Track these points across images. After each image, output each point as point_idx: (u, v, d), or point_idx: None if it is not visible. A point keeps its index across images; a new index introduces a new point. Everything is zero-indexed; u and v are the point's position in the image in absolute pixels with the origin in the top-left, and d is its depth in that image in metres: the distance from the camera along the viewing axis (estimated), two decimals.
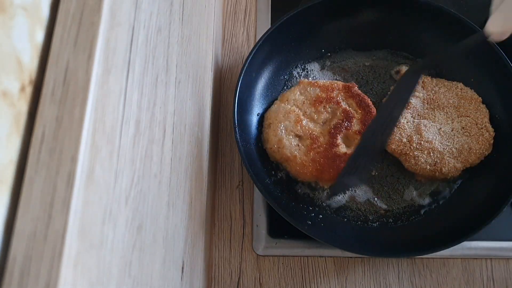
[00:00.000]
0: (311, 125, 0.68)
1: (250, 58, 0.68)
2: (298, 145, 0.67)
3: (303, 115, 0.68)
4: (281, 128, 0.67)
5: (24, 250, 0.25)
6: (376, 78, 0.75)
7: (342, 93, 0.70)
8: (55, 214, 0.26)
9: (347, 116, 0.68)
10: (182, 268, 0.51)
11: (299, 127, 0.67)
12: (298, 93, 0.70)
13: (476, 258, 0.67)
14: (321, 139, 0.67)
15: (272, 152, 0.68)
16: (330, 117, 0.69)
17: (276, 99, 0.72)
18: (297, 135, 0.67)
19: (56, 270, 0.25)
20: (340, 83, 0.71)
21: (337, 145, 0.66)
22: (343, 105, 0.69)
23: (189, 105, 0.55)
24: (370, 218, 0.67)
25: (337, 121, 0.68)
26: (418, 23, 0.74)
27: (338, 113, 0.68)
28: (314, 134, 0.67)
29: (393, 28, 0.75)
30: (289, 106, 0.69)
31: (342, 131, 0.67)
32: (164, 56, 0.44)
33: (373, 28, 0.76)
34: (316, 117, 0.68)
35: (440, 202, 0.68)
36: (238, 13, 0.83)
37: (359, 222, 0.67)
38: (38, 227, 0.26)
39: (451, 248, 0.60)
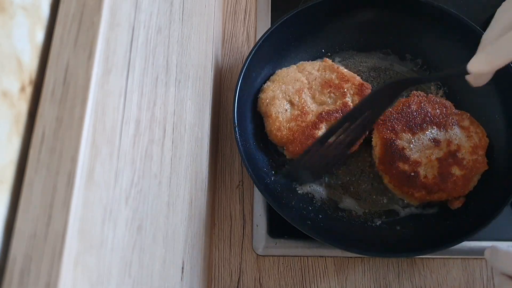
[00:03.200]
0: (308, 100, 0.69)
1: (250, 58, 0.68)
2: (286, 110, 0.69)
3: (307, 89, 0.70)
4: (282, 88, 0.69)
5: (24, 250, 0.25)
6: (376, 78, 0.75)
7: (353, 88, 0.70)
8: (55, 214, 0.26)
9: (343, 109, 0.69)
10: (182, 268, 0.51)
11: (297, 96, 0.69)
12: (317, 68, 0.71)
13: (476, 258, 0.67)
14: (309, 116, 0.68)
15: (261, 102, 0.70)
16: (329, 103, 0.70)
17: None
18: (291, 102, 0.69)
19: (56, 270, 0.25)
20: (359, 80, 0.71)
21: (319, 129, 0.68)
22: (347, 98, 0.69)
23: (189, 105, 0.55)
24: (370, 218, 0.67)
25: (332, 109, 0.69)
26: (418, 23, 0.73)
27: (338, 103, 0.69)
28: (305, 109, 0.68)
29: (393, 28, 0.75)
30: (301, 75, 0.70)
31: (330, 119, 0.68)
32: (164, 56, 0.44)
33: (373, 28, 0.76)
34: (317, 96, 0.70)
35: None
36: (238, 13, 0.83)
37: (359, 222, 0.67)
38: (38, 227, 0.26)
39: (451, 248, 0.60)
